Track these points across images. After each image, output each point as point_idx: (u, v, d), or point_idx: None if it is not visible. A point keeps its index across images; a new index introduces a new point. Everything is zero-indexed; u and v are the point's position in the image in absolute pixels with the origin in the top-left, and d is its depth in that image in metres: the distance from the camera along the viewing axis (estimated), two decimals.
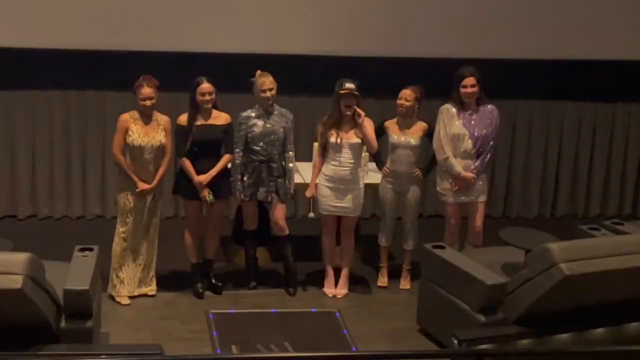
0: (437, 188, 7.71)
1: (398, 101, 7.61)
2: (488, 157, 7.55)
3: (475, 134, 7.45)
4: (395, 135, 7.63)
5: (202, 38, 8.60)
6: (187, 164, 7.30)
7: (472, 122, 7.47)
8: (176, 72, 8.12)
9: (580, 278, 5.98)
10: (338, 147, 7.40)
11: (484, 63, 7.86)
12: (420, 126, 7.67)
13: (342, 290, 7.70)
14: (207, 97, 7.25)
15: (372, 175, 8.05)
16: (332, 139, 7.38)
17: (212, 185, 7.33)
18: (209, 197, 7.28)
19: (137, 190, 7.18)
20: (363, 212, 8.95)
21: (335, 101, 7.37)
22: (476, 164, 7.50)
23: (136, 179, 7.17)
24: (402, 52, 8.91)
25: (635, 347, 5.74)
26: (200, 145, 7.29)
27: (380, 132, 7.69)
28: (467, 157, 7.50)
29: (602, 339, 6.22)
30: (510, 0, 9.11)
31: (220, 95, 7.38)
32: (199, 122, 7.29)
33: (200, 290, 7.51)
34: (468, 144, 7.47)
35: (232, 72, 7.68)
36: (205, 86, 7.23)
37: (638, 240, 6.34)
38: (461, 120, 7.45)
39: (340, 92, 7.29)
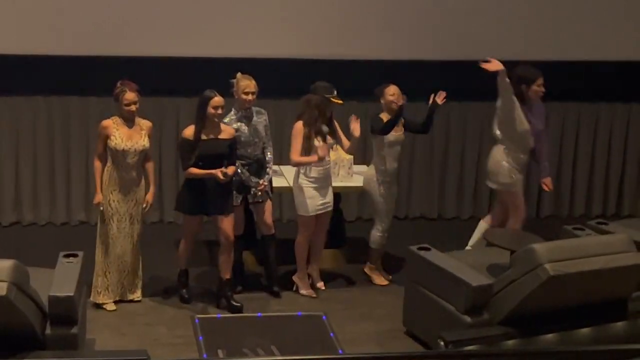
0: (502, 181, 7.71)
1: (390, 97, 7.56)
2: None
3: (535, 130, 7.66)
4: (393, 132, 7.60)
5: (184, 43, 8.58)
6: (195, 170, 7.12)
7: (532, 119, 7.67)
8: (159, 77, 8.11)
9: (565, 278, 6.01)
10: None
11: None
12: (401, 122, 7.68)
13: (319, 283, 7.77)
14: (220, 111, 7.11)
15: (357, 178, 8.04)
16: (317, 143, 7.39)
17: (217, 202, 7.21)
18: (224, 173, 7.07)
19: (94, 202, 7.25)
20: (349, 215, 9.03)
21: (318, 105, 7.37)
22: (545, 164, 7.89)
23: (98, 189, 7.17)
24: (386, 55, 8.91)
25: (620, 346, 5.76)
26: (206, 160, 7.14)
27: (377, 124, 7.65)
28: (528, 152, 7.74)
29: (587, 339, 6.24)
30: (508, 1, 9.12)
31: None
32: (205, 137, 7.14)
33: (186, 296, 7.49)
34: (530, 140, 7.66)
35: (216, 77, 7.64)
36: (219, 99, 7.08)
37: (622, 240, 6.37)
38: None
39: (332, 99, 7.34)
